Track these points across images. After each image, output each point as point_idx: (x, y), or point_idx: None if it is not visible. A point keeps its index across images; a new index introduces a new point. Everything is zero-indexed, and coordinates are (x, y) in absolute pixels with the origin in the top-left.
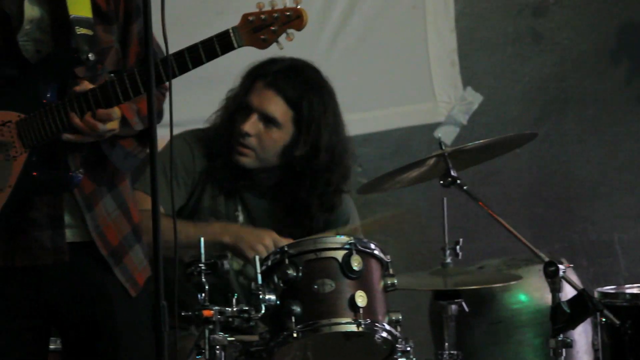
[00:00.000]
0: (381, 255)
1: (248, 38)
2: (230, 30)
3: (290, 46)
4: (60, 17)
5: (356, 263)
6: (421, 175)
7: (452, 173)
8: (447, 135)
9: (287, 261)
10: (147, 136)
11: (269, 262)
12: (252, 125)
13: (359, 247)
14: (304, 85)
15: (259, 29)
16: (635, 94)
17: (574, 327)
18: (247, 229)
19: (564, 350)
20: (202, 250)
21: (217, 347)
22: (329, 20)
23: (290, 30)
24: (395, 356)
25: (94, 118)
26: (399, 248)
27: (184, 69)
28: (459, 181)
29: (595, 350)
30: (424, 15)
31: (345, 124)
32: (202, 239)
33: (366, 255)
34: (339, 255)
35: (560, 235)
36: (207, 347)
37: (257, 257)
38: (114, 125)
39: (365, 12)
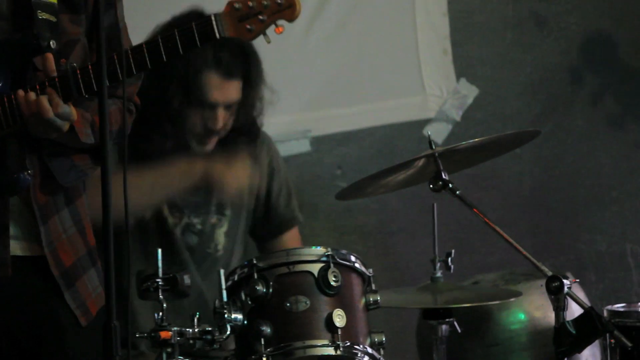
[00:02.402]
0: (362, 268)
1: (232, 27)
2: (213, 18)
3: None
4: (20, 0)
5: (334, 278)
6: (408, 178)
7: (444, 176)
8: (438, 133)
9: (255, 275)
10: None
11: (236, 277)
12: (221, 120)
13: (337, 259)
14: (245, 54)
15: (245, 17)
16: None
17: (580, 350)
18: (217, 165)
19: None
20: (160, 264)
21: None
22: (304, 3)
23: (280, 21)
24: None
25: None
26: (383, 261)
27: (157, 61)
28: (451, 185)
29: None
30: None
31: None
32: (159, 250)
33: (345, 269)
34: (315, 268)
35: (565, 247)
36: None
37: (221, 271)
38: (60, 122)
39: None
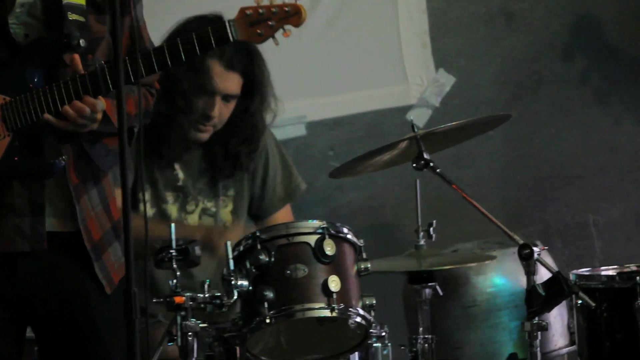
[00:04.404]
0: (354, 239)
1: (244, 31)
2: (227, 23)
3: None
4: (52, 3)
5: (329, 248)
6: (393, 158)
7: (425, 156)
8: (419, 117)
9: (259, 246)
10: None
11: (241, 248)
12: (218, 108)
13: (332, 231)
14: (249, 52)
15: (255, 23)
16: (608, 74)
17: (549, 310)
18: (217, 229)
19: (539, 333)
20: (173, 237)
21: (189, 333)
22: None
23: (287, 26)
24: (369, 341)
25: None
26: (372, 232)
27: (176, 60)
28: (431, 164)
29: (571, 333)
30: None
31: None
32: (173, 225)
33: (339, 240)
34: (312, 240)
35: (534, 218)
36: (179, 333)
37: (228, 242)
38: (98, 116)
39: None
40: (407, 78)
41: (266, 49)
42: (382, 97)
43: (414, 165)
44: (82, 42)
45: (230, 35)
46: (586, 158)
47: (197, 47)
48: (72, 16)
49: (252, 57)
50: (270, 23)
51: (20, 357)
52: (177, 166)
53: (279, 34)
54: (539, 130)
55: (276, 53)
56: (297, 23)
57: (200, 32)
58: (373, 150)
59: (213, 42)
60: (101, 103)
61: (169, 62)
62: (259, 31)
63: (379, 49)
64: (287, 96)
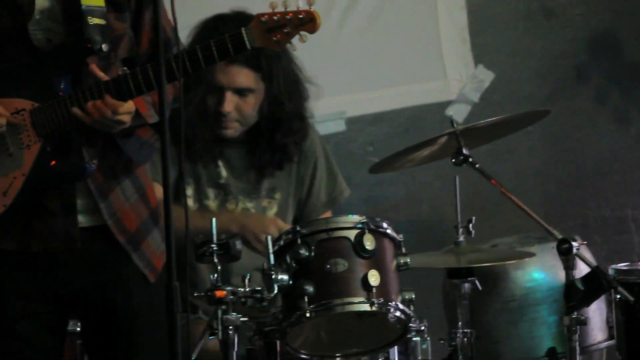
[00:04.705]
0: (393, 234)
1: (261, 38)
2: (243, 31)
3: None
4: (71, 7)
5: (369, 242)
6: (433, 153)
7: (464, 151)
8: (458, 113)
9: (299, 241)
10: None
11: (282, 242)
12: (229, 103)
13: (372, 226)
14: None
15: (272, 30)
16: None
17: (588, 304)
18: (252, 218)
19: (578, 327)
20: (214, 231)
21: (230, 327)
22: (338, 1)
23: (303, 32)
24: (409, 335)
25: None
26: (411, 227)
27: (196, 67)
28: (471, 159)
29: (610, 328)
30: None
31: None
32: (214, 219)
33: (379, 235)
34: (352, 234)
35: (573, 213)
36: (220, 327)
37: (269, 237)
38: (123, 117)
39: None
40: (446, 74)
41: (306, 46)
42: (421, 92)
43: (453, 160)
44: (104, 46)
45: (247, 43)
46: (625, 153)
47: (215, 55)
48: (93, 20)
49: (261, 50)
50: (285, 30)
51: (61, 349)
52: (220, 163)
53: (295, 39)
54: (577, 125)
55: (316, 50)
56: (312, 30)
57: (218, 40)
58: (412, 145)
59: (231, 50)
60: (127, 106)
61: (190, 70)
62: (275, 38)
63: (418, 45)
64: (327, 92)
